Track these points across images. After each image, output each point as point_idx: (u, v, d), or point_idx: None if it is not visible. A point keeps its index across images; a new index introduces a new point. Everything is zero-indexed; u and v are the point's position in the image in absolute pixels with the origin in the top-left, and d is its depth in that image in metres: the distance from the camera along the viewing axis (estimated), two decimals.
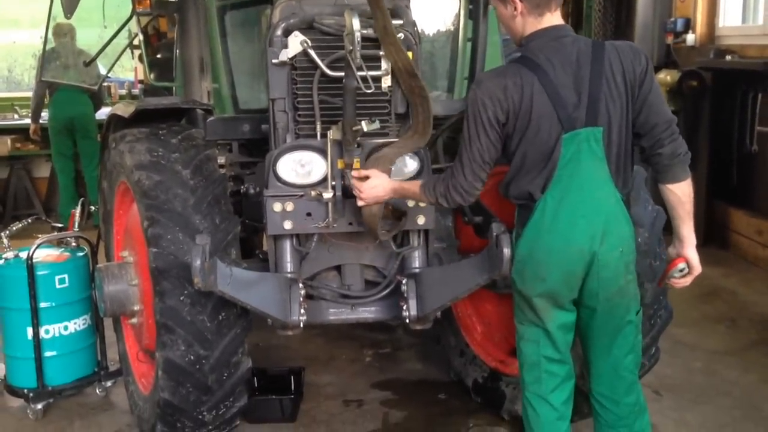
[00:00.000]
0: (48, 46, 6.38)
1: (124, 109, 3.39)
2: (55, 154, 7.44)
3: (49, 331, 3.90)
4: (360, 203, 2.93)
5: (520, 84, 2.48)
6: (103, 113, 7.74)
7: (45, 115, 7.59)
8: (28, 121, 7.87)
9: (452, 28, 4.47)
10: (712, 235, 6.58)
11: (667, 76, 6.98)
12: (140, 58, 6.40)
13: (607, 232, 2.53)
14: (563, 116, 2.48)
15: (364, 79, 2.85)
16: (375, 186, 2.87)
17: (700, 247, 2.76)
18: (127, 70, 9.46)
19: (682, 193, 2.60)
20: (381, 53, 2.99)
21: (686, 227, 2.64)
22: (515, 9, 2.55)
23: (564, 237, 2.53)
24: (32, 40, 10.91)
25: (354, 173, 2.94)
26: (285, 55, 3.12)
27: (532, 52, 2.54)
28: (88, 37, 10.07)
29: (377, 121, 2.93)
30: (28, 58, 11.35)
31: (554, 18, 2.57)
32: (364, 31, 2.82)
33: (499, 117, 2.51)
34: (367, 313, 3.27)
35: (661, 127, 2.54)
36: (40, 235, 3.99)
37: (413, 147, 3.01)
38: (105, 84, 7.98)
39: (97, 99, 7.44)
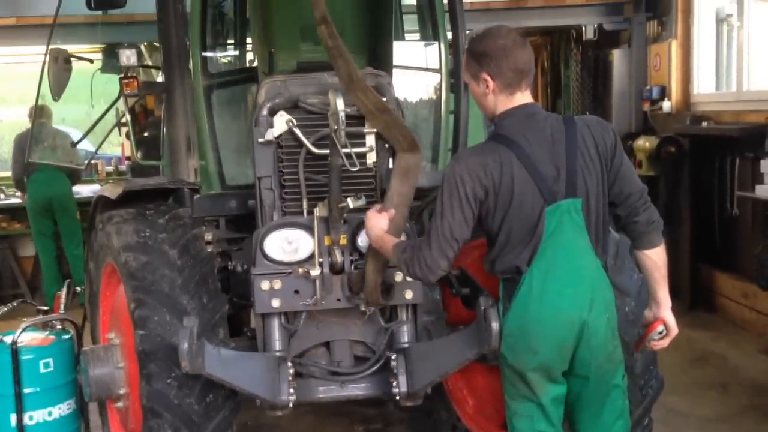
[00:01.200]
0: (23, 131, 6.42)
1: (112, 191, 3.41)
2: (36, 234, 7.39)
3: (33, 417, 3.80)
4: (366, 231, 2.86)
5: (499, 161, 2.53)
6: (86, 190, 7.79)
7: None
8: (14, 200, 7.89)
9: (435, 101, 4.58)
10: (699, 298, 6.60)
11: (645, 143, 7.13)
12: (127, 135, 6.48)
13: (594, 300, 2.57)
14: (544, 190, 2.54)
15: (348, 156, 2.89)
16: (374, 223, 2.79)
17: (688, 311, 2.80)
18: (114, 145, 9.53)
19: (658, 257, 2.71)
20: (365, 130, 3.05)
21: (662, 290, 2.74)
22: (487, 87, 2.61)
23: (553, 307, 2.55)
24: (19, 118, 11.02)
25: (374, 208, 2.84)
26: (271, 134, 3.18)
27: (506, 129, 2.60)
28: (75, 113, 10.18)
29: (363, 198, 2.97)
30: (13, 136, 11.47)
31: (525, 97, 2.65)
32: (348, 110, 2.89)
33: (478, 193, 2.54)
34: (357, 389, 3.24)
35: (635, 197, 2.66)
36: (25, 319, 3.94)
37: (413, 168, 2.77)
38: (93, 161, 8.03)
39: (75, 176, 7.45)
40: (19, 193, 7.62)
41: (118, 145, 9.31)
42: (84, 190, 7.85)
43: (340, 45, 2.72)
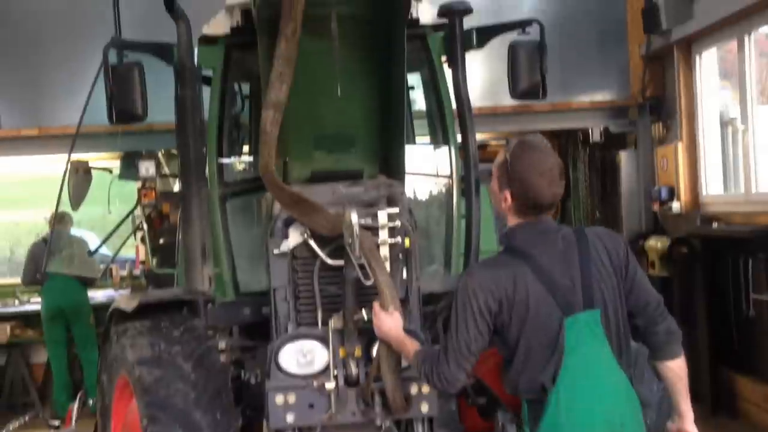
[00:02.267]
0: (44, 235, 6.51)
1: (127, 303, 3.43)
2: (48, 341, 7.39)
3: None
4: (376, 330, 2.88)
5: (513, 274, 2.53)
6: (100, 295, 7.82)
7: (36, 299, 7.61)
8: (28, 307, 7.92)
9: (446, 205, 4.63)
10: (721, 403, 6.43)
11: (657, 243, 7.14)
12: (142, 239, 6.56)
13: (625, 416, 2.54)
14: (561, 301, 2.53)
15: (362, 267, 2.92)
16: (388, 324, 2.82)
17: (710, 416, 2.75)
18: (128, 246, 9.60)
19: (679, 368, 2.68)
20: (379, 241, 3.08)
21: (685, 402, 2.71)
22: (505, 200, 2.63)
23: (586, 427, 2.50)
24: (35, 218, 11.16)
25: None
26: (286, 245, 3.22)
27: (519, 241, 2.61)
28: (91, 215, 10.30)
29: None
30: (30, 238, 11.54)
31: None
32: (362, 221, 2.93)
33: (491, 306, 2.52)
34: None
35: (652, 306, 2.66)
36: None
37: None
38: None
39: (90, 282, 7.50)
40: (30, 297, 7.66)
41: (132, 247, 9.39)
42: (98, 295, 7.88)
43: (269, 132, 2.93)
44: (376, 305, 2.84)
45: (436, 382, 2.61)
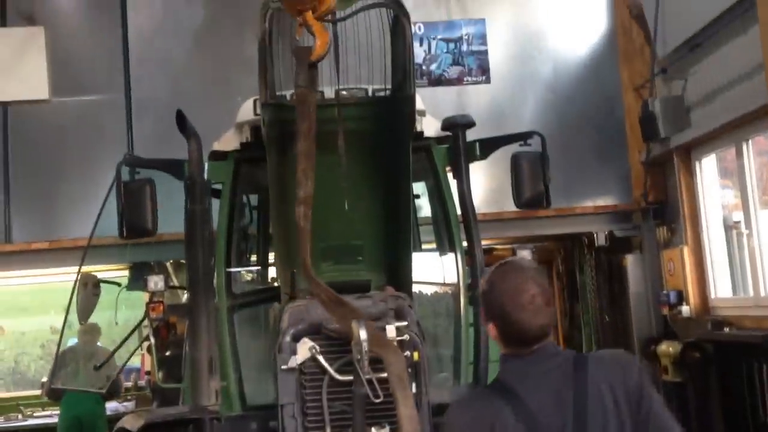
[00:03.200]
0: (66, 346, 6.48)
1: (133, 423, 3.39)
2: None
3: None
4: None
5: (492, 418, 2.20)
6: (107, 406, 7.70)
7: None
8: (31, 422, 7.81)
9: (454, 313, 4.61)
10: None
11: (669, 348, 7.06)
12: (149, 349, 6.51)
13: None
14: None
15: (371, 383, 2.89)
16: None
17: None
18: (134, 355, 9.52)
19: None
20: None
21: None
22: (491, 331, 2.33)
23: None
24: (40, 327, 11.10)
25: None
26: (294, 361, 3.20)
27: (507, 376, 2.30)
28: (98, 321, 10.25)
29: (387, 427, 2.93)
30: (35, 348, 11.40)
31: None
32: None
33: None
34: None
35: None
36: None
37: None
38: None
39: (111, 391, 7.43)
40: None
41: (138, 356, 9.30)
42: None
43: (303, 227, 3.00)
44: None
45: None
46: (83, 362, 7.10)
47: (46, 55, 7.36)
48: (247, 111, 4.50)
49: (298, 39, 3.54)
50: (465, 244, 4.49)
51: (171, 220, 4.37)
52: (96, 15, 7.76)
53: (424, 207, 5.69)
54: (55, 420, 7.40)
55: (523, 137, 4.60)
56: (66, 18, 7.73)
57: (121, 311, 7.68)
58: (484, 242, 4.65)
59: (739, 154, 6.42)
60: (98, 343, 7.51)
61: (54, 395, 7.13)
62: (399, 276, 4.21)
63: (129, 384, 8.56)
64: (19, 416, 8.22)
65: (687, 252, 7.16)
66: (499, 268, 2.33)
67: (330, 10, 3.47)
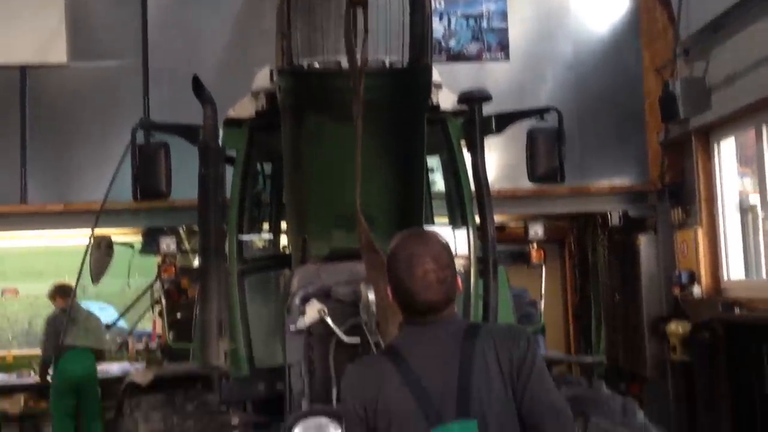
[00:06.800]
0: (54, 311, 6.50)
1: (142, 378, 3.44)
2: (57, 413, 7.36)
3: None
4: None
5: (379, 379, 2.29)
6: (115, 368, 7.81)
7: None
8: None
9: (464, 286, 4.63)
10: None
11: (678, 328, 7.05)
12: (160, 313, 6.59)
13: None
14: (427, 410, 2.24)
15: (378, 346, 2.92)
16: None
17: None
18: (145, 319, 9.62)
19: None
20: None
21: None
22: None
23: None
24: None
25: None
26: (302, 322, 3.24)
27: (398, 341, 2.39)
28: (110, 288, 10.39)
29: None
30: (48, 311, 11.57)
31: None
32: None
33: (359, 412, 2.30)
34: None
35: (547, 417, 2.28)
36: None
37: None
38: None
39: (100, 354, 7.54)
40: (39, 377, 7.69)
41: (150, 320, 9.40)
42: (113, 368, 7.88)
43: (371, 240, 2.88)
44: None
45: None
46: (85, 321, 7.17)
47: (65, 18, 7.38)
48: (263, 78, 4.50)
49: None
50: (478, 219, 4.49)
51: (185, 187, 4.39)
52: None
53: (438, 181, 5.69)
54: None
55: (539, 112, 4.59)
56: None
57: (134, 278, 7.76)
58: (497, 218, 4.63)
59: (759, 137, 6.36)
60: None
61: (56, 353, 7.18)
62: None
63: (140, 346, 8.68)
64: (32, 372, 8.35)
65: (701, 233, 7.12)
66: (404, 235, 2.41)
67: None
